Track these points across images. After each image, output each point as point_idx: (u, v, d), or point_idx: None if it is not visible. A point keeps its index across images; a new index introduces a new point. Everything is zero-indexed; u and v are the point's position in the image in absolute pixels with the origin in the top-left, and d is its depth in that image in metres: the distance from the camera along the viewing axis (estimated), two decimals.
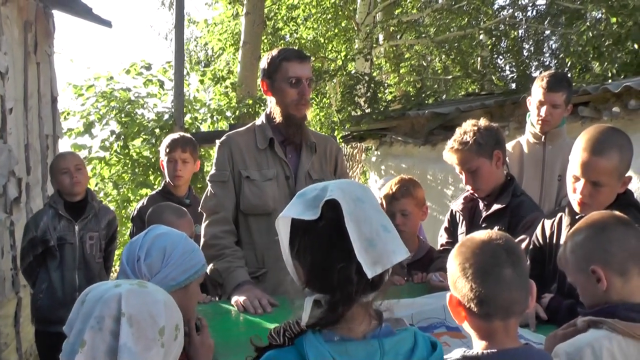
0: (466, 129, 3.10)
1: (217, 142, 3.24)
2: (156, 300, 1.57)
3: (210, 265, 2.94)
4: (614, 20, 8.48)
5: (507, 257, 1.62)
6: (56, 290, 3.99)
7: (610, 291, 1.85)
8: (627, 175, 2.38)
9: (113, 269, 4.77)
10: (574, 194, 2.39)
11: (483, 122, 3.14)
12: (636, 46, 7.90)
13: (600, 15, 9.39)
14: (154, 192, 4.47)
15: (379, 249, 1.39)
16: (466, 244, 1.69)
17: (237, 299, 2.79)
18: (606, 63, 7.96)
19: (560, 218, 2.58)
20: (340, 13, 14.61)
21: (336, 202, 1.41)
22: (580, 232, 1.96)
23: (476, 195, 3.19)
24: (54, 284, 4.00)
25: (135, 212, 4.21)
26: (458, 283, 1.65)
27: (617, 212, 2.00)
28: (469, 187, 3.17)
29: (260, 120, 3.25)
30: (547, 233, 2.64)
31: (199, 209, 3.23)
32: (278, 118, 3.12)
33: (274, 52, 3.17)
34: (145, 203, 4.16)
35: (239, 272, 2.94)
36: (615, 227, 1.90)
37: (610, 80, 6.81)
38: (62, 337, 4.49)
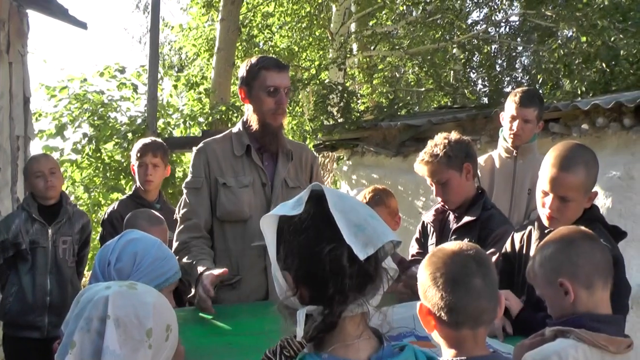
0: (437, 141, 3.13)
1: (194, 148, 3.22)
2: (144, 302, 1.56)
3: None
4: (584, 39, 8.66)
5: (477, 268, 1.66)
6: (26, 294, 3.91)
7: (577, 303, 1.91)
8: (593, 190, 2.45)
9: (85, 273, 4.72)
10: (543, 208, 2.45)
11: (454, 135, 3.16)
12: (604, 65, 8.07)
13: (571, 34, 9.58)
14: (124, 196, 4.43)
15: (368, 232, 1.32)
16: (437, 254, 1.73)
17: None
18: (576, 81, 8.12)
19: (530, 232, 2.63)
20: (315, 22, 14.65)
21: (320, 193, 1.37)
22: (548, 246, 2.01)
23: (447, 207, 3.23)
24: (24, 288, 3.92)
25: (106, 215, 4.16)
26: (428, 292, 1.68)
27: (583, 227, 2.07)
28: (439, 199, 3.22)
29: (237, 127, 3.23)
30: (517, 246, 2.68)
31: (174, 216, 3.22)
32: (255, 126, 3.11)
33: (253, 60, 3.15)
34: (115, 207, 4.13)
35: (199, 265, 2.86)
36: (582, 242, 1.96)
37: (579, 98, 6.94)
38: (30, 342, 4.37)
